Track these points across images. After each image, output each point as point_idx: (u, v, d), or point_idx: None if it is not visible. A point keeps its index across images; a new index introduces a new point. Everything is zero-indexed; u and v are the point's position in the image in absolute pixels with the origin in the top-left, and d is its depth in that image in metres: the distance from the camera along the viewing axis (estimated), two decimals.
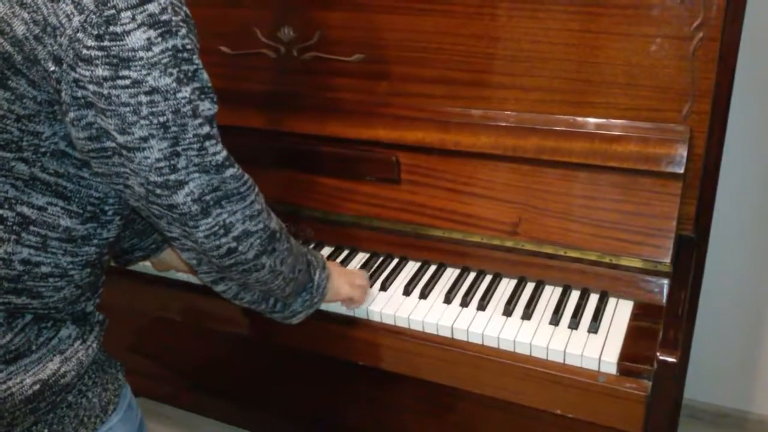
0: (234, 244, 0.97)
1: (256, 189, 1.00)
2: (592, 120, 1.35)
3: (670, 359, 1.09)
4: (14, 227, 0.92)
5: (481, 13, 1.36)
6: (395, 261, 1.48)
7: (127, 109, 0.84)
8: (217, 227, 0.94)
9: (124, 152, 0.87)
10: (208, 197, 0.92)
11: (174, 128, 0.86)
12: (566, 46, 1.32)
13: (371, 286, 1.39)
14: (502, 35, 1.36)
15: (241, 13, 1.58)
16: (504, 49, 1.37)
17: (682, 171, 1.25)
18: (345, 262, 1.49)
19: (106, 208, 0.99)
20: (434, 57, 1.44)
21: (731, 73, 1.27)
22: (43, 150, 0.91)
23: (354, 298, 1.32)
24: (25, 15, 0.83)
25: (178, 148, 0.87)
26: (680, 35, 1.24)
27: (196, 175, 0.90)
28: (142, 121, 0.85)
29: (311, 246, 1.55)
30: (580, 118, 1.36)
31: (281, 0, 1.52)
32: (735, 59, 1.26)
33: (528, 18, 1.33)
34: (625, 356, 1.17)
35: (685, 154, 1.26)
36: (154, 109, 0.84)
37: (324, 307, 1.35)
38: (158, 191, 0.90)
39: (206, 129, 0.89)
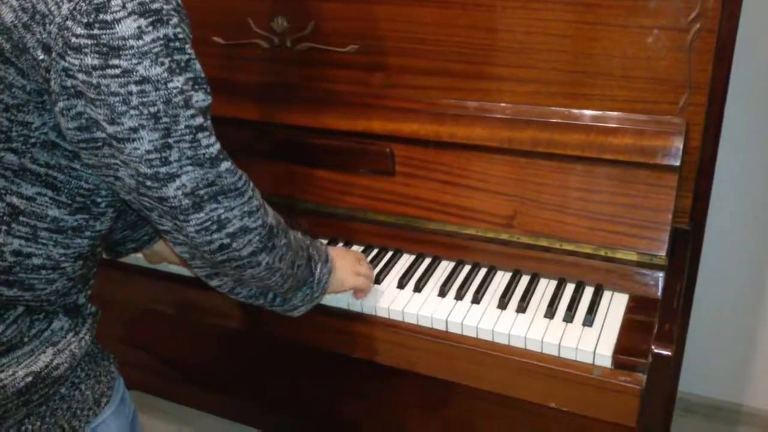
0: (227, 240, 0.95)
1: (252, 184, 0.98)
2: (587, 112, 1.34)
3: (665, 352, 1.09)
4: (4, 218, 0.91)
5: (476, 4, 1.35)
6: (390, 254, 1.47)
7: (117, 98, 0.82)
8: (209, 222, 0.92)
9: (114, 143, 0.85)
10: (202, 192, 0.90)
11: (165, 119, 0.84)
12: (562, 37, 1.31)
13: None
14: (498, 26, 1.35)
15: (234, 3, 1.56)
16: (499, 41, 1.36)
17: (677, 163, 1.25)
18: None
19: (98, 200, 0.97)
20: (429, 48, 1.43)
21: (728, 65, 1.26)
22: (32, 141, 0.89)
23: (359, 287, 1.31)
24: (14, 2, 0.82)
25: (170, 140, 0.86)
26: (677, 27, 1.23)
27: (190, 168, 0.88)
28: (132, 111, 0.83)
29: None
30: (575, 110, 1.35)
31: None
32: (732, 51, 1.25)
33: (524, 9, 1.32)
34: (619, 349, 1.16)
35: (681, 146, 1.25)
36: (145, 99, 0.83)
37: None
38: (148, 183, 0.88)
39: (199, 120, 0.87)
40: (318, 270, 1.19)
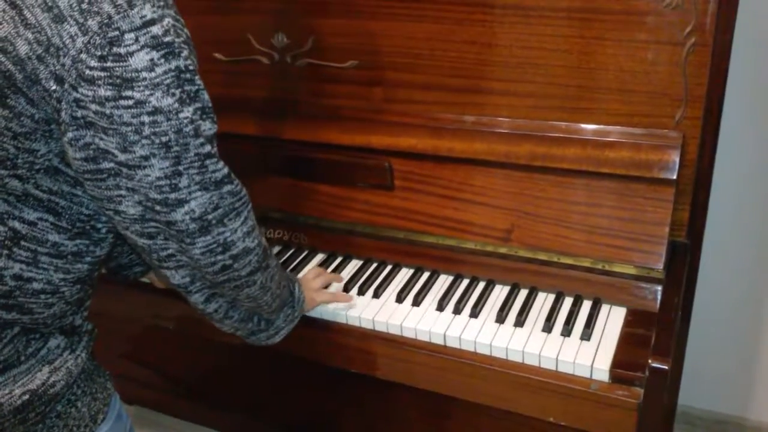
0: (229, 262, 0.99)
1: (249, 206, 1.01)
2: (584, 126, 1.35)
3: (662, 366, 1.08)
4: (6, 242, 0.92)
5: (473, 20, 1.36)
6: (388, 268, 1.47)
7: (129, 128, 0.85)
8: (215, 245, 0.96)
9: (125, 170, 0.88)
10: (210, 216, 0.94)
11: (176, 148, 0.87)
12: (559, 52, 1.32)
13: (364, 293, 1.40)
14: (495, 41, 1.36)
15: (235, 20, 1.58)
16: (497, 55, 1.37)
17: (674, 177, 1.25)
18: (338, 269, 1.48)
19: (99, 225, 0.99)
20: (427, 63, 1.44)
21: (723, 78, 1.26)
22: (37, 167, 0.91)
23: (328, 302, 1.36)
24: (29, 35, 0.83)
25: (180, 168, 0.89)
26: (672, 41, 1.23)
27: (198, 193, 0.91)
28: (144, 141, 0.86)
29: (305, 253, 1.55)
30: (572, 124, 1.36)
31: (275, 7, 1.52)
32: (727, 64, 1.25)
33: (521, 24, 1.33)
34: (617, 363, 1.16)
35: (677, 160, 1.26)
36: (157, 129, 0.85)
37: (318, 314, 1.36)
38: (157, 208, 0.91)
39: (207, 148, 0.91)
40: (296, 289, 1.26)
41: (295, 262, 1.52)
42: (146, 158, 0.87)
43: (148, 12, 0.83)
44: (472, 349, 1.26)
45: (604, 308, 1.29)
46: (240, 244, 0.99)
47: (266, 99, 1.63)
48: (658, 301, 1.25)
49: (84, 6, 0.82)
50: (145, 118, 0.84)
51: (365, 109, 1.52)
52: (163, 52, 0.84)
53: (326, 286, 1.41)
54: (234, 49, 1.60)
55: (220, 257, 0.98)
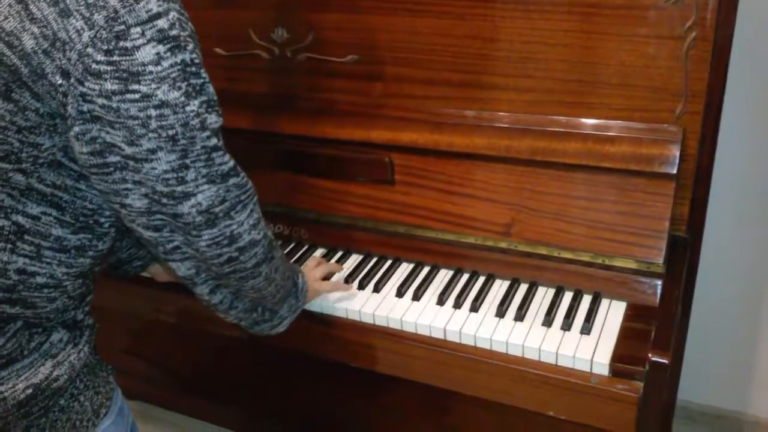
0: (236, 254, 1.00)
1: (255, 198, 1.01)
2: (585, 121, 1.35)
3: (662, 360, 1.09)
4: (9, 236, 0.92)
5: (474, 14, 1.36)
6: (389, 262, 1.47)
7: (136, 122, 0.85)
8: (221, 237, 0.97)
9: (131, 163, 0.88)
10: (217, 209, 0.94)
11: (183, 141, 0.88)
12: (559, 46, 1.32)
13: (364, 288, 1.40)
14: (496, 36, 1.36)
15: (234, 14, 1.58)
16: (497, 50, 1.37)
17: (674, 171, 1.25)
18: (339, 264, 1.48)
19: (102, 220, 0.99)
20: (428, 58, 1.44)
21: (724, 73, 1.27)
22: (41, 161, 0.91)
23: (329, 291, 1.37)
24: (35, 30, 0.83)
25: (187, 161, 0.89)
26: (673, 35, 1.24)
27: (205, 186, 0.92)
28: (151, 134, 0.86)
29: (305, 247, 1.55)
30: (573, 119, 1.36)
31: (275, 1, 1.52)
32: (727, 59, 1.26)
33: (521, 18, 1.33)
34: (617, 357, 1.16)
35: (677, 154, 1.26)
36: (163, 123, 0.86)
37: (318, 308, 1.36)
38: (164, 200, 0.91)
39: (213, 141, 0.91)
40: (300, 279, 1.26)
41: (296, 257, 1.53)
42: (153, 151, 0.87)
43: (153, 6, 0.83)
44: (472, 344, 1.26)
45: (604, 303, 1.29)
46: (246, 237, 0.99)
47: (266, 94, 1.63)
48: (658, 296, 1.26)
49: (90, 0, 0.82)
50: (152, 112, 0.85)
51: (365, 104, 1.52)
52: (169, 45, 0.84)
53: (327, 277, 1.41)
54: (234, 43, 1.60)
55: (226, 249, 0.98)
